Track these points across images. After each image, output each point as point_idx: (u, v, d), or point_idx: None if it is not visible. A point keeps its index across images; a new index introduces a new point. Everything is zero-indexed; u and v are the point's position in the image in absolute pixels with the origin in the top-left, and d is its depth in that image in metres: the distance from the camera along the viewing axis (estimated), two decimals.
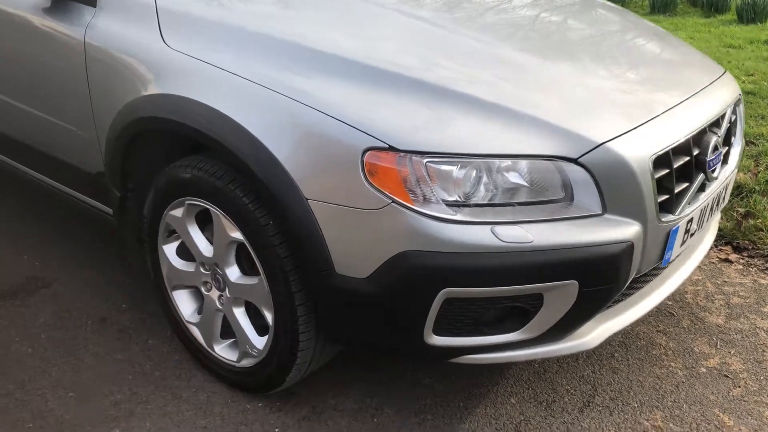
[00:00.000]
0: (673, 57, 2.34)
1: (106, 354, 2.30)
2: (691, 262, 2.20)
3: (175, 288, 2.21)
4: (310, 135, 1.69)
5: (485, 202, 1.67)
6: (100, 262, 2.79)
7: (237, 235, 1.89)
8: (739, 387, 2.18)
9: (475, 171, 1.65)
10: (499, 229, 1.63)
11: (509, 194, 1.68)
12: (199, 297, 2.21)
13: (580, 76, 1.96)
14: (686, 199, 1.90)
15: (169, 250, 2.16)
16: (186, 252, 2.14)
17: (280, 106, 1.73)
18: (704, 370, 2.25)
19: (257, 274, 1.92)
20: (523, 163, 1.67)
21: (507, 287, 1.66)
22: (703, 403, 2.11)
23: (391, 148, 1.62)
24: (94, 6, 2.13)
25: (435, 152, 1.63)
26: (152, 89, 1.96)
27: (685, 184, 1.90)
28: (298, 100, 1.72)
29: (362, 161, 1.63)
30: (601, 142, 1.69)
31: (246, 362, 2.06)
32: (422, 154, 1.62)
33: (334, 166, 1.67)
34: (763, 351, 2.34)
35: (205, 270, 2.07)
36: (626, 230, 1.71)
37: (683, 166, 1.87)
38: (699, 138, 1.93)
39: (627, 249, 1.71)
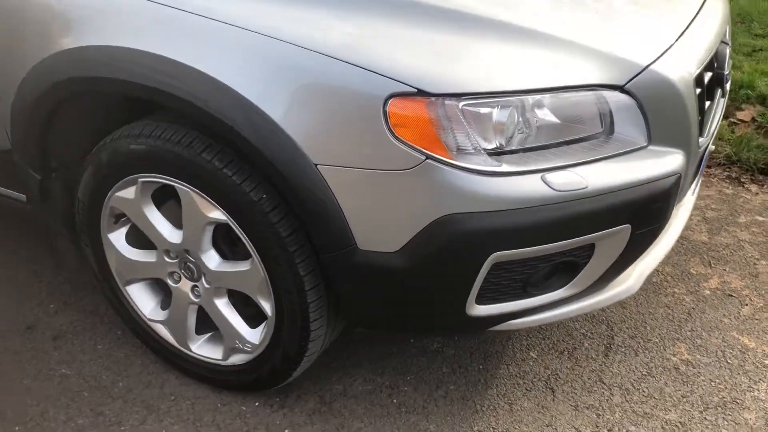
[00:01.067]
0: None
1: (47, 370, 1.89)
2: (694, 187, 2.08)
3: (129, 282, 1.82)
4: (315, 86, 1.35)
5: (527, 146, 1.42)
6: (9, 260, 2.31)
7: (216, 214, 1.53)
8: (747, 305, 2.12)
9: (515, 111, 1.39)
10: (550, 176, 1.39)
11: (547, 134, 1.44)
12: (160, 290, 1.85)
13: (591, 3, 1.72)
14: (710, 119, 1.75)
15: (117, 238, 1.76)
16: (139, 239, 1.75)
17: (269, 54, 1.37)
18: (708, 292, 2.18)
19: (244, 258, 1.59)
20: (561, 96, 1.43)
21: (562, 242, 1.44)
22: (719, 328, 2.03)
23: (421, 93, 1.32)
24: None
25: (472, 93, 1.34)
26: (78, 41, 1.51)
27: (708, 102, 1.74)
28: (293, 43, 1.36)
29: (385, 112, 1.32)
30: (646, 64, 1.47)
31: (236, 359, 1.74)
32: (457, 96, 1.33)
33: (349, 122, 1.35)
34: (755, 264, 2.31)
35: (171, 258, 1.70)
36: (673, 160, 1.53)
37: (708, 83, 1.71)
38: (717, 52, 1.76)
39: (676, 181, 1.53)
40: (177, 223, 1.65)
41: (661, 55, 1.51)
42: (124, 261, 1.77)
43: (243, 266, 1.59)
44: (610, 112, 1.46)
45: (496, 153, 1.38)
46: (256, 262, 1.54)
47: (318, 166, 1.37)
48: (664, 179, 1.50)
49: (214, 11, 1.42)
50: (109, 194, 1.67)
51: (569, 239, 1.44)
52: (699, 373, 1.88)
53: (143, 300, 1.84)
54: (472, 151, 1.35)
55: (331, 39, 1.36)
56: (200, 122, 1.46)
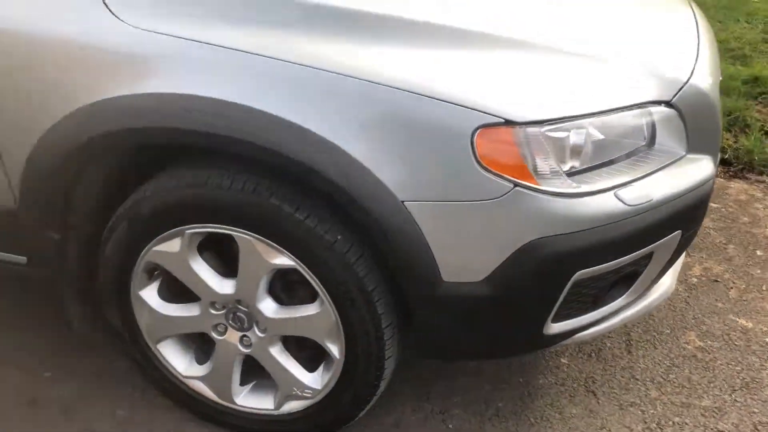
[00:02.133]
0: None
1: None
2: None
3: (161, 340, 1.70)
4: (398, 122, 1.32)
5: (591, 165, 1.46)
6: None
7: (281, 260, 1.46)
8: (732, 288, 2.30)
9: (586, 133, 1.43)
10: (621, 192, 1.44)
11: (602, 152, 1.50)
12: (192, 344, 1.73)
13: (611, 20, 1.79)
14: None
15: (149, 295, 1.63)
16: (172, 293, 1.64)
17: (348, 92, 1.33)
18: (695, 280, 2.34)
19: (304, 302, 1.53)
20: (620, 115, 1.49)
21: (633, 253, 1.50)
22: (717, 313, 2.19)
23: (507, 122, 1.33)
24: None
25: (552, 119, 1.37)
26: (119, 89, 1.38)
27: None
28: (372, 81, 1.32)
29: (473, 143, 1.32)
30: (687, 78, 1.57)
31: (292, 406, 1.67)
32: (540, 123, 1.36)
33: (436, 156, 1.33)
34: (725, 248, 2.51)
35: (216, 310, 1.60)
36: (707, 166, 1.63)
37: None
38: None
39: (712, 185, 1.64)
40: (222, 272, 1.56)
41: (695, 67, 1.62)
42: (159, 318, 1.64)
43: (309, 311, 1.52)
44: (653, 125, 1.54)
45: (571, 175, 1.42)
46: (326, 305, 1.49)
47: (404, 202, 1.35)
48: (704, 185, 1.60)
49: (284, 52, 1.35)
50: (146, 249, 1.55)
51: (639, 250, 1.50)
52: (715, 358, 2.02)
53: (176, 357, 1.72)
54: (554, 175, 1.38)
55: (412, 74, 1.34)
56: (270, 166, 1.38)
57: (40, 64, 1.44)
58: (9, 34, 1.43)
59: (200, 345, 1.74)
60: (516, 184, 1.34)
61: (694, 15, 1.93)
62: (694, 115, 1.58)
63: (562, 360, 2.00)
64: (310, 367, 1.64)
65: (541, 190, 1.36)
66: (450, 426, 1.80)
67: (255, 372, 1.70)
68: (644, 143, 1.55)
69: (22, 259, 1.73)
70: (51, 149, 1.48)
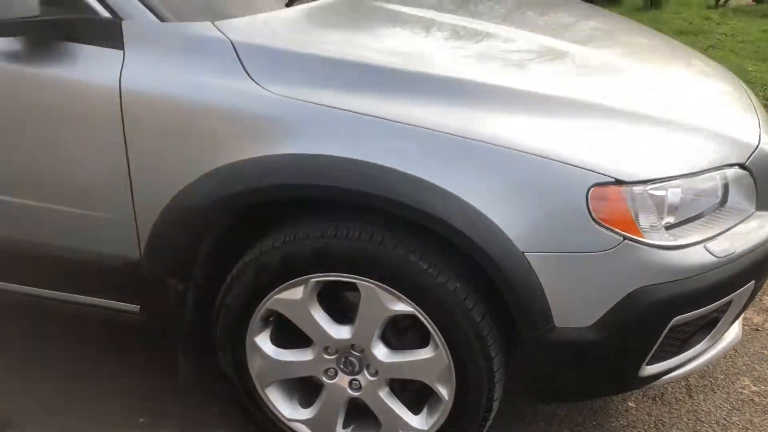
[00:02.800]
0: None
1: None
2: None
3: (269, 384, 1.79)
4: (523, 181, 1.48)
5: (684, 220, 1.62)
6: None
7: (400, 307, 1.58)
8: None
9: (679, 191, 1.59)
10: (710, 245, 1.60)
11: (690, 208, 1.66)
12: (295, 389, 1.82)
13: (684, 90, 1.99)
14: None
15: (263, 341, 1.73)
16: (282, 339, 1.74)
17: (476, 154, 1.48)
18: None
19: (414, 347, 1.65)
20: (702, 176, 1.66)
21: (718, 301, 1.64)
22: (765, 359, 2.34)
23: (618, 182, 1.49)
24: (120, 49, 1.57)
25: (654, 179, 1.53)
26: (258, 150, 1.52)
27: None
28: (498, 144, 1.48)
29: (587, 200, 1.47)
30: (757, 142, 1.75)
31: None
32: (645, 182, 1.52)
33: (555, 211, 1.48)
34: (761, 300, 2.67)
35: (329, 354, 1.71)
36: None
37: None
38: None
39: None
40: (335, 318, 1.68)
41: (761, 131, 1.80)
42: (272, 363, 1.74)
43: (422, 355, 1.63)
44: (727, 185, 1.71)
45: (667, 229, 1.57)
46: (441, 349, 1.60)
47: (525, 253, 1.49)
48: None
49: (415, 119, 1.50)
50: (268, 297, 1.66)
51: (723, 298, 1.65)
52: None
53: (281, 401, 1.81)
54: (655, 229, 1.53)
55: (534, 139, 1.50)
56: (396, 219, 1.52)
57: (182, 126, 1.57)
58: (156, 98, 1.57)
59: (304, 389, 1.83)
60: (625, 237, 1.49)
61: (741, 84, 2.14)
62: (762, 174, 1.76)
63: (630, 404, 2.12)
64: (414, 409, 1.74)
65: (646, 242, 1.51)
66: None
67: (352, 415, 1.80)
68: (718, 201, 1.71)
69: (135, 307, 1.83)
70: (187, 205, 1.60)
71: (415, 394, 1.75)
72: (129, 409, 2.04)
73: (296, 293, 1.63)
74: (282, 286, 1.64)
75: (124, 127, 1.57)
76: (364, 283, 1.58)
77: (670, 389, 2.19)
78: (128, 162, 1.60)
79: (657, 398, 2.15)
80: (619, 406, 2.11)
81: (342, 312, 1.69)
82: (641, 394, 2.16)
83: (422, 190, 1.46)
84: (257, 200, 1.56)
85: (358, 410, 1.79)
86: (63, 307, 1.89)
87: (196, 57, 1.57)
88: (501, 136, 1.50)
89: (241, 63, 1.56)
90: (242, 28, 1.63)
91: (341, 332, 1.67)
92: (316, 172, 1.49)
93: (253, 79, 1.55)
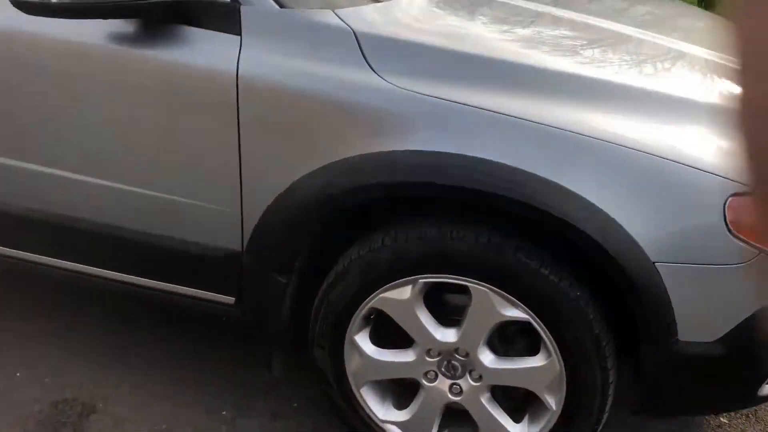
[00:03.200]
0: None
1: None
2: None
3: (364, 384, 1.74)
4: (656, 188, 1.41)
5: None
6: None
7: (513, 313, 1.52)
8: None
9: None
10: None
11: None
12: (389, 390, 1.78)
13: None
14: None
15: (363, 340, 1.69)
16: (380, 339, 1.69)
17: (608, 157, 1.42)
18: None
19: (521, 353, 1.59)
20: None
21: None
22: None
23: None
24: (238, 34, 1.53)
25: None
26: (376, 146, 1.47)
27: None
28: (631, 147, 1.41)
29: (725, 211, 1.40)
30: None
31: None
32: None
33: (689, 220, 1.42)
34: None
35: (431, 357, 1.66)
36: None
37: None
38: None
39: None
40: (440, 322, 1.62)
41: None
42: (370, 362, 1.69)
43: (533, 362, 1.58)
44: None
45: None
46: (553, 357, 1.55)
47: (656, 263, 1.42)
48: None
49: (547, 117, 1.44)
50: (373, 295, 1.61)
51: None
52: None
53: (375, 402, 1.76)
54: None
55: (666, 143, 1.43)
56: (519, 222, 1.46)
57: (299, 117, 1.53)
58: (273, 87, 1.52)
59: (397, 391, 1.79)
60: (761, 251, 1.42)
61: None
62: None
63: (722, 419, 2.05)
64: (514, 416, 1.69)
65: None
66: None
67: (446, 419, 1.75)
68: None
69: (230, 299, 1.79)
70: (299, 199, 1.55)
71: (516, 402, 1.70)
72: (212, 400, 2.01)
73: (403, 293, 1.58)
74: (389, 285, 1.59)
75: (238, 115, 1.52)
76: (477, 287, 1.53)
77: (763, 406, 2.11)
78: (240, 151, 1.56)
79: (750, 415, 2.07)
80: (713, 422, 2.04)
81: (443, 314, 1.64)
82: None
83: (560, 195, 1.40)
84: (375, 197, 1.51)
85: (451, 414, 1.75)
86: (153, 296, 1.87)
87: (316, 46, 1.52)
88: (633, 138, 1.43)
89: (363, 53, 1.50)
90: (363, 16, 1.58)
91: (447, 335, 1.61)
92: (446, 171, 1.43)
93: (374, 71, 1.49)
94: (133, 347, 2.19)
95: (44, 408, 1.95)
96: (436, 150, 1.45)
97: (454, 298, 1.64)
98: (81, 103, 1.65)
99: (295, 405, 2.02)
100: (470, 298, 1.55)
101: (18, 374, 2.07)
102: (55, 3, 1.42)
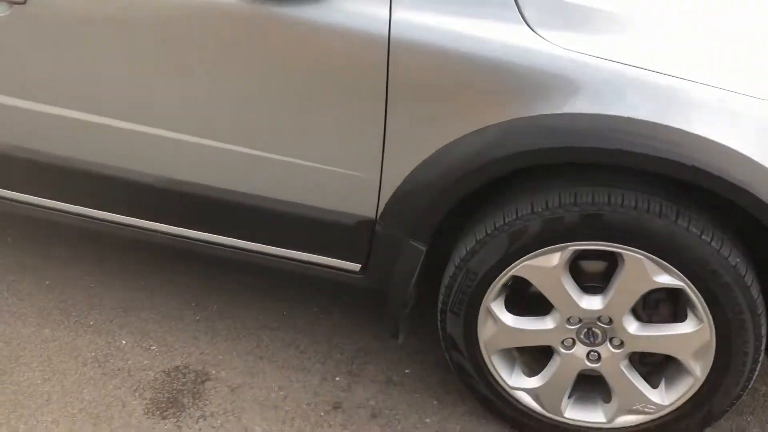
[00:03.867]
0: None
1: None
2: None
3: (496, 352, 1.73)
4: None
5: None
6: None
7: (666, 279, 1.50)
8: None
9: None
10: None
11: None
12: (516, 358, 1.76)
13: None
14: None
15: (499, 308, 1.66)
16: (515, 307, 1.67)
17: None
18: None
19: (668, 320, 1.58)
20: None
21: None
22: None
23: None
24: None
25: None
26: (537, 109, 1.42)
27: None
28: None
29: None
30: None
31: (627, 420, 1.70)
32: None
33: None
34: None
35: (571, 325, 1.63)
36: None
37: None
38: None
39: None
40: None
41: None
42: (506, 330, 1.67)
43: (682, 329, 1.56)
44: None
45: None
46: (705, 325, 1.53)
47: None
48: None
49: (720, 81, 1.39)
50: (517, 263, 1.58)
51: None
52: None
53: (504, 369, 1.75)
54: None
55: None
56: (682, 188, 1.43)
57: (450, 80, 1.47)
58: (425, 48, 1.46)
59: (526, 358, 1.77)
60: None
61: None
62: None
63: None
64: (650, 383, 1.68)
65: None
66: None
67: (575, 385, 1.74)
68: None
69: (355, 266, 1.76)
70: (446, 166, 1.51)
71: (652, 368, 1.69)
72: (323, 367, 2.00)
73: (551, 260, 1.55)
74: (535, 253, 1.56)
75: (388, 78, 1.47)
76: (630, 254, 1.50)
77: None
78: (386, 116, 1.51)
79: None
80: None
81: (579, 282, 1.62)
82: None
83: (713, 151, 1.36)
84: (534, 163, 1.46)
85: (581, 379, 1.73)
86: (272, 263, 1.83)
87: (470, 4, 1.46)
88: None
89: (520, 11, 1.44)
90: None
91: (592, 303, 1.59)
92: (620, 135, 1.39)
93: (533, 29, 1.43)
94: (235, 315, 2.17)
95: (158, 376, 1.94)
96: (607, 113, 1.39)
97: (593, 266, 1.62)
98: (214, 67, 1.59)
99: (408, 371, 2.00)
100: (622, 265, 1.52)
101: (124, 342, 2.05)
102: None
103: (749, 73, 1.44)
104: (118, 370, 1.95)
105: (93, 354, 2.00)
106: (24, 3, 1.62)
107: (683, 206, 1.46)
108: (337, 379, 1.97)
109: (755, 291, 1.48)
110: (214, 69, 1.59)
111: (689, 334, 1.55)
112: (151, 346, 2.05)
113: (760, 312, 1.49)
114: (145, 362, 1.99)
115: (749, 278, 1.47)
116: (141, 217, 1.82)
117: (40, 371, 1.94)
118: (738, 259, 1.46)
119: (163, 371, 1.96)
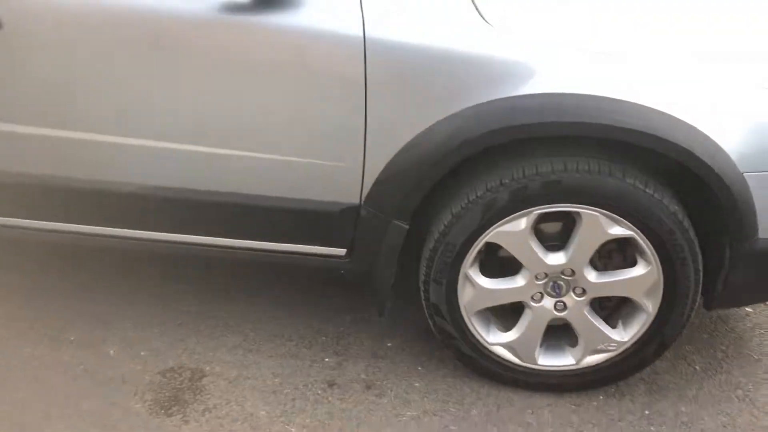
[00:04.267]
0: None
1: (394, 416, 1.91)
2: None
3: (474, 314, 1.92)
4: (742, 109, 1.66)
5: None
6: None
7: (618, 231, 1.74)
8: None
9: None
10: None
11: None
12: (489, 316, 1.96)
13: None
14: None
15: (475, 273, 1.86)
16: (488, 269, 1.87)
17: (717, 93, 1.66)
18: None
19: (624, 266, 1.83)
20: None
21: None
22: None
23: None
24: None
25: None
26: (503, 92, 1.62)
27: None
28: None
29: None
30: None
31: (592, 359, 1.94)
32: None
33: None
34: None
35: (539, 280, 1.85)
36: None
37: None
38: None
39: None
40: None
41: None
42: (483, 292, 1.87)
43: (634, 273, 1.80)
44: None
45: None
46: (653, 266, 1.78)
47: (744, 173, 1.66)
48: None
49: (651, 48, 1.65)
50: (490, 230, 1.77)
51: None
52: None
53: (482, 328, 1.94)
54: None
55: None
56: (629, 151, 1.67)
57: (421, 72, 1.64)
58: (398, 45, 1.62)
59: (498, 314, 1.98)
60: None
61: None
62: None
63: (748, 309, 2.38)
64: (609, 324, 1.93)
65: None
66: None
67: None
68: None
69: (341, 251, 1.91)
70: (426, 149, 1.68)
71: (609, 311, 1.94)
72: (310, 351, 2.13)
73: (519, 225, 1.76)
74: (505, 220, 1.76)
75: (366, 75, 1.62)
76: (586, 211, 1.73)
77: None
78: (366, 111, 1.66)
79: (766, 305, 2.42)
80: (740, 312, 2.37)
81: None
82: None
83: (667, 122, 1.61)
84: (504, 140, 1.66)
85: (548, 330, 1.96)
86: (255, 256, 1.95)
87: (431, 3, 1.63)
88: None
89: (476, 6, 1.63)
90: None
91: (557, 259, 1.81)
92: (570, 110, 1.61)
93: (487, 22, 1.63)
94: (214, 315, 2.27)
95: (154, 378, 2.01)
96: (558, 92, 1.61)
97: (550, 227, 1.84)
98: (198, 74, 1.68)
99: (389, 344, 2.17)
100: (580, 222, 1.75)
101: (112, 352, 2.10)
102: None
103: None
104: (111, 378, 2.01)
105: (81, 367, 2.04)
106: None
107: (627, 166, 1.70)
108: (326, 360, 2.11)
109: (692, 233, 1.74)
110: (198, 78, 1.69)
111: (641, 276, 1.80)
112: (140, 352, 2.11)
113: (696, 249, 1.76)
114: (138, 368, 2.05)
115: (686, 222, 1.73)
116: (136, 228, 1.89)
117: (31, 389, 1.96)
118: (676, 207, 1.72)
119: (158, 373, 2.03)
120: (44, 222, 1.89)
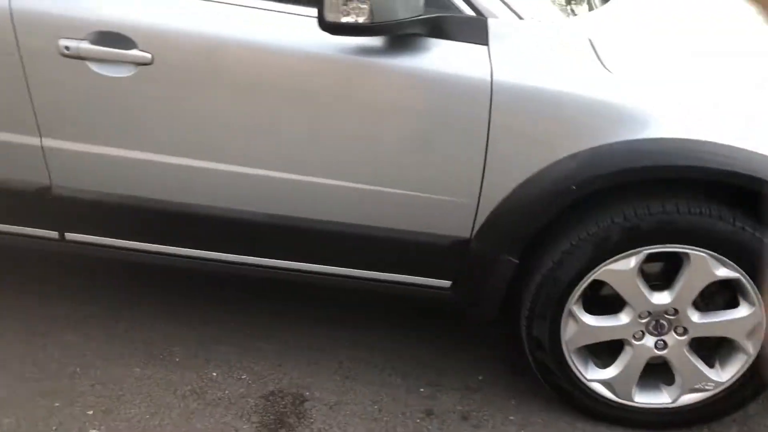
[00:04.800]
0: None
1: None
2: None
3: (575, 350, 1.97)
4: None
5: None
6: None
7: (724, 272, 1.79)
8: None
9: None
10: None
11: None
12: (588, 352, 2.01)
13: None
14: None
15: (579, 310, 1.91)
16: (590, 306, 1.93)
17: None
18: None
19: (725, 307, 1.88)
20: None
21: None
22: None
23: None
24: (485, 44, 1.71)
25: None
26: (616, 136, 1.70)
27: None
28: None
29: None
30: None
31: (688, 398, 1.97)
32: None
33: None
34: None
35: (642, 319, 1.90)
36: None
37: None
38: None
39: None
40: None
41: None
42: (586, 328, 1.92)
43: (738, 314, 1.85)
44: None
45: None
46: (757, 308, 1.83)
47: None
48: None
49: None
50: (598, 268, 1.83)
51: None
52: None
53: (581, 364, 1.99)
54: None
55: None
56: (740, 196, 1.74)
57: (543, 117, 1.73)
58: (521, 91, 1.72)
59: (597, 352, 2.02)
60: None
61: None
62: None
63: None
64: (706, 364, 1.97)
65: None
66: None
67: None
68: None
69: (446, 283, 1.98)
70: (539, 188, 1.76)
71: (708, 351, 1.98)
72: (404, 381, 2.19)
73: (628, 263, 1.82)
74: (614, 258, 1.82)
75: (490, 117, 1.71)
76: (695, 253, 1.79)
77: None
78: (486, 152, 1.75)
79: None
80: None
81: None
82: None
83: None
84: (620, 181, 1.73)
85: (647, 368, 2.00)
86: (360, 285, 2.03)
87: (556, 51, 1.73)
88: None
89: (597, 55, 1.72)
90: (591, 23, 1.80)
91: (662, 298, 1.86)
92: (689, 155, 1.68)
93: (607, 69, 1.71)
94: (308, 343, 2.34)
95: (258, 402, 2.08)
96: (678, 137, 1.69)
97: (653, 267, 1.90)
98: (325, 114, 1.79)
99: (480, 378, 2.22)
100: (688, 262, 1.80)
101: (215, 374, 2.18)
102: (362, 24, 1.56)
103: None
104: (219, 399, 2.08)
105: (189, 387, 2.12)
106: (150, 64, 1.78)
107: (736, 209, 1.76)
108: (421, 390, 2.16)
109: None
110: (332, 117, 1.79)
111: (744, 318, 1.85)
112: (241, 375, 2.18)
113: None
114: (241, 390, 2.12)
115: None
116: (249, 254, 1.99)
117: (145, 407, 2.04)
118: None
119: (261, 397, 2.10)
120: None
